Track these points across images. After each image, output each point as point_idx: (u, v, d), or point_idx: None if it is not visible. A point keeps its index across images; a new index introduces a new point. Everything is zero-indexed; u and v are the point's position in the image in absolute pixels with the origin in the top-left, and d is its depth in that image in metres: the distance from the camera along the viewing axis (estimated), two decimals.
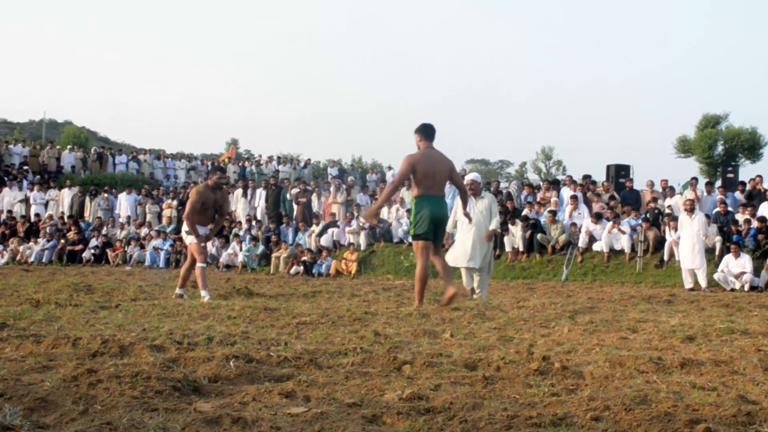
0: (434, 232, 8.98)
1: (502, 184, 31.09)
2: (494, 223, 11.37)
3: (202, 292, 10.13)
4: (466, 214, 10.09)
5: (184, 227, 10.65)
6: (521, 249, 18.67)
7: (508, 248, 18.82)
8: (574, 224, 18.60)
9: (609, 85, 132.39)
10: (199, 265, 10.38)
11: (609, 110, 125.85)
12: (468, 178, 11.62)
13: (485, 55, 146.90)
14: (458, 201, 11.43)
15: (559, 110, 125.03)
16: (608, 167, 22.34)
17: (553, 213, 18.98)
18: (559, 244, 18.40)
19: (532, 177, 60.44)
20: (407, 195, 21.96)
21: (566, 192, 20.44)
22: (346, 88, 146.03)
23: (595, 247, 18.01)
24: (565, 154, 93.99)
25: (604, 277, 16.92)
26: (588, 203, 19.75)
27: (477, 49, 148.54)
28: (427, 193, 8.90)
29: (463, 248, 11.14)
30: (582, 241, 18.06)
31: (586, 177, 21.83)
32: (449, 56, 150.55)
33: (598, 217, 18.28)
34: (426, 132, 9.02)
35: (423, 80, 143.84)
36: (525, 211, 19.85)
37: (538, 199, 20.80)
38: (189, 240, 10.55)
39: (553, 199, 20.04)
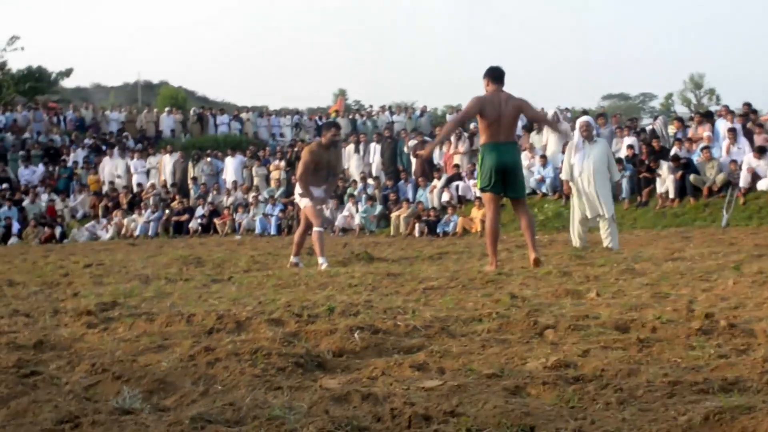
0: (503, 182, 8.97)
1: (645, 121, 30.28)
2: (616, 174, 12.22)
3: (320, 259, 10.28)
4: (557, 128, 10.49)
5: (297, 190, 10.81)
6: (672, 194, 18.19)
7: (660, 191, 18.34)
8: (733, 161, 17.97)
9: None
10: (316, 229, 10.51)
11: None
12: (580, 121, 12.20)
13: None
14: (569, 148, 11.81)
15: (708, 30, 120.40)
16: None
17: (708, 149, 18.37)
18: (716, 185, 17.83)
19: (681, 110, 58.69)
20: (537, 138, 21.71)
21: (722, 125, 19.70)
22: (461, 25, 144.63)
23: (760, 186, 17.37)
24: (718, 82, 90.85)
25: None
26: (749, 136, 19.01)
27: None
28: (492, 140, 8.96)
29: (587, 201, 11.60)
30: (744, 180, 17.44)
31: (746, 105, 21.01)
32: None
33: (761, 152, 17.59)
34: (494, 75, 9.08)
35: (548, 13, 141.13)
36: (674, 150, 19.28)
37: (689, 136, 20.16)
38: (303, 203, 10.69)
39: (706, 134, 19.38)
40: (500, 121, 8.91)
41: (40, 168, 29.06)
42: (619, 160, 19.13)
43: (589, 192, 11.56)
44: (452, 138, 24.04)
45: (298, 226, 11.35)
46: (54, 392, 3.57)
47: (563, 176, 12.15)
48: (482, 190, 9.23)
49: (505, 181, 8.97)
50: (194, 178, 26.97)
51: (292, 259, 10.78)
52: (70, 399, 3.42)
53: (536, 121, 9.76)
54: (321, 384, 3.62)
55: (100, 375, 3.83)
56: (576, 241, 11.82)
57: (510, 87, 9.08)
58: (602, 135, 20.64)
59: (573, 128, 20.01)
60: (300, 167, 10.73)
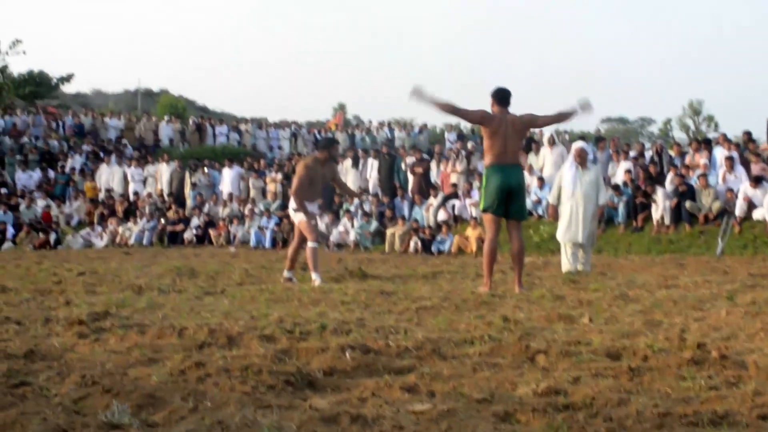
0: (506, 205, 9.02)
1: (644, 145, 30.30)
2: (603, 197, 12.21)
3: (313, 275, 10.29)
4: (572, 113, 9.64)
5: (292, 204, 10.82)
6: (667, 221, 18.20)
7: (656, 217, 18.32)
8: (730, 190, 17.99)
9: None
10: (310, 244, 10.50)
11: None
12: (575, 146, 12.19)
13: None
14: (561, 173, 11.80)
15: (709, 57, 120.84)
16: None
17: (705, 177, 18.40)
18: (712, 212, 17.84)
19: (679, 136, 58.87)
20: (534, 160, 21.72)
21: (719, 152, 19.74)
22: (466, 43, 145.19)
23: (756, 215, 17.37)
24: (717, 109, 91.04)
25: None
26: (746, 165, 19.04)
27: None
28: (497, 162, 8.99)
29: (574, 224, 11.74)
30: (740, 208, 17.45)
31: (746, 133, 21.07)
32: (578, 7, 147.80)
33: (757, 181, 17.61)
34: (500, 96, 9.11)
35: (549, 33, 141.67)
36: (670, 176, 19.30)
37: (686, 162, 20.20)
38: (297, 218, 10.69)
39: (703, 162, 19.41)
40: (506, 141, 8.95)
41: (37, 173, 29.01)
42: (615, 186, 19.17)
43: (578, 217, 11.71)
44: (451, 156, 24.08)
45: (293, 240, 11.34)
46: (43, 404, 3.57)
47: (551, 200, 12.26)
48: (484, 211, 9.22)
49: (508, 202, 9.01)
50: (194, 185, 26.89)
51: (286, 273, 10.77)
52: (59, 411, 3.42)
53: (552, 122, 9.67)
54: (311, 404, 3.62)
55: (90, 388, 3.83)
56: (567, 265, 11.84)
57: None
58: (599, 159, 20.69)
59: (568, 151, 20.00)
60: (295, 182, 10.72)
